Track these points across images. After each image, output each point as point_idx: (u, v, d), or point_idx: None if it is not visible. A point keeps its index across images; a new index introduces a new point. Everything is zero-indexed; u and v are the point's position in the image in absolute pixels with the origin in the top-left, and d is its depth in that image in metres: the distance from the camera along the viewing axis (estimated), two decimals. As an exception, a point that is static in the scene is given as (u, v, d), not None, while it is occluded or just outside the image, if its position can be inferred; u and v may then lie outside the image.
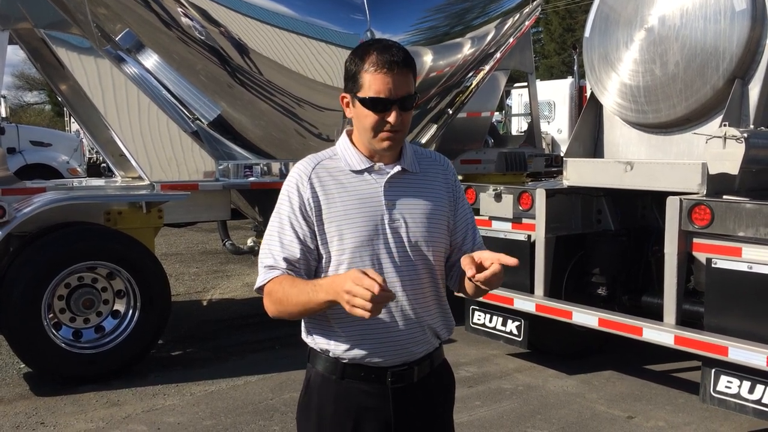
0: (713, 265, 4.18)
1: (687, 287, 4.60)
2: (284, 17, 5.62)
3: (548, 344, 5.65)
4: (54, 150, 13.54)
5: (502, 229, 5.47)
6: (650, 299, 5.11)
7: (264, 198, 6.48)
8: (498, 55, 7.09)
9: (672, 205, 4.36)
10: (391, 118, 1.85)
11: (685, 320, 4.47)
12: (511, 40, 7.13)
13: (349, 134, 1.99)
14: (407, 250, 1.91)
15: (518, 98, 16.57)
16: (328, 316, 1.91)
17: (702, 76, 4.68)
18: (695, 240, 4.33)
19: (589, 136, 5.54)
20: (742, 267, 4.04)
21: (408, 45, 5.87)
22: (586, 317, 4.83)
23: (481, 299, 5.37)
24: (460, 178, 7.83)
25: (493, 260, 1.77)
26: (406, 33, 6.13)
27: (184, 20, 5.49)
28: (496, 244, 5.26)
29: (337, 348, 1.92)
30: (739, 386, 4.01)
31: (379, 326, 1.90)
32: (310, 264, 1.92)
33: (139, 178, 5.90)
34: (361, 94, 1.86)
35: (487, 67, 7.07)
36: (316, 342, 1.97)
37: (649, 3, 4.93)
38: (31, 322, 4.96)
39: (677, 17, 4.75)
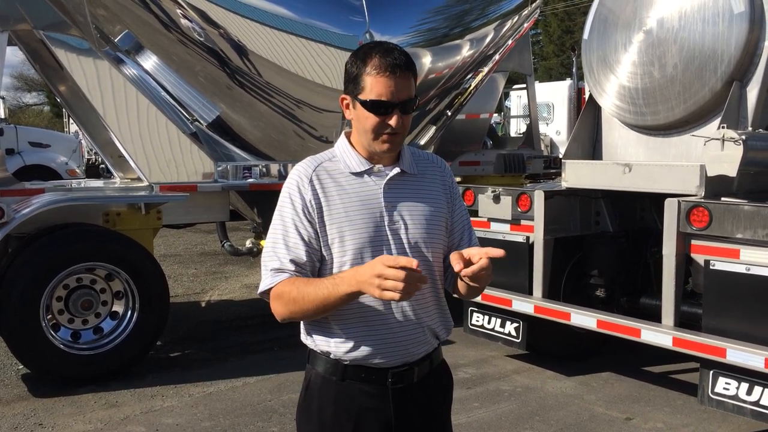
0: (711, 267, 4.18)
1: (685, 289, 4.61)
2: (283, 19, 5.63)
3: (547, 346, 5.66)
4: (53, 151, 13.53)
5: (501, 231, 5.48)
6: (649, 301, 5.12)
7: (263, 199, 6.48)
8: (497, 56, 7.10)
9: (670, 207, 4.37)
10: (392, 121, 1.86)
11: (683, 322, 4.48)
12: (509, 41, 7.14)
13: (348, 136, 2.00)
14: (407, 252, 1.92)
15: (517, 100, 16.60)
16: (329, 317, 1.91)
17: (700, 78, 4.69)
18: (693, 242, 4.34)
19: (588, 137, 5.55)
20: (740, 269, 4.05)
21: (407, 47, 5.88)
22: (584, 319, 4.84)
23: (479, 301, 5.38)
24: (458, 179, 7.80)
25: (481, 255, 1.78)
26: (405, 35, 6.13)
27: (183, 22, 5.49)
28: (495, 246, 5.25)
29: (337, 349, 1.92)
30: (738, 388, 4.01)
31: (379, 327, 1.90)
32: (315, 265, 1.91)
33: (138, 179, 5.90)
34: (362, 97, 1.86)
35: (485, 69, 7.08)
36: (316, 343, 1.97)
37: (647, 5, 4.94)
38: (30, 323, 4.95)
39: (676, 19, 4.76)
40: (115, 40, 5.82)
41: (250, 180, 6.15)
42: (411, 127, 2.08)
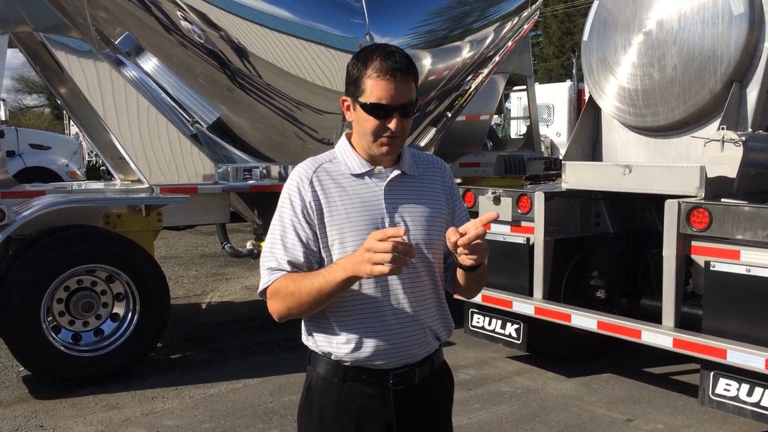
0: (712, 268, 4.18)
1: (686, 290, 4.61)
2: (284, 21, 5.63)
3: (547, 347, 5.65)
4: (53, 153, 13.53)
5: (501, 232, 5.48)
6: (649, 302, 5.12)
7: (263, 201, 6.48)
8: (497, 58, 7.11)
9: (670, 209, 4.37)
10: (392, 124, 1.86)
11: (683, 323, 4.48)
12: (510, 43, 7.15)
13: (349, 137, 2.00)
14: (407, 253, 1.92)
15: (517, 101, 16.61)
16: (330, 318, 1.92)
17: (700, 79, 4.69)
18: (694, 243, 4.34)
19: (588, 139, 5.55)
20: (741, 270, 4.05)
21: (407, 48, 5.87)
22: (585, 320, 4.84)
23: (480, 302, 5.39)
24: (458, 181, 7.79)
25: (476, 224, 1.77)
26: (406, 36, 6.14)
27: (184, 24, 5.50)
28: (495, 247, 5.27)
29: (339, 351, 1.92)
30: (738, 389, 4.01)
31: (381, 328, 1.91)
32: (312, 267, 1.91)
33: (139, 181, 5.91)
34: (362, 99, 1.87)
35: (486, 71, 7.08)
36: (317, 345, 1.97)
37: (647, 7, 4.94)
38: (30, 324, 4.96)
39: (675, 21, 4.76)
40: (116, 42, 5.83)
41: (251, 182, 6.16)
42: (411, 128, 2.09)
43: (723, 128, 4.26)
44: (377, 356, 1.91)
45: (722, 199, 4.35)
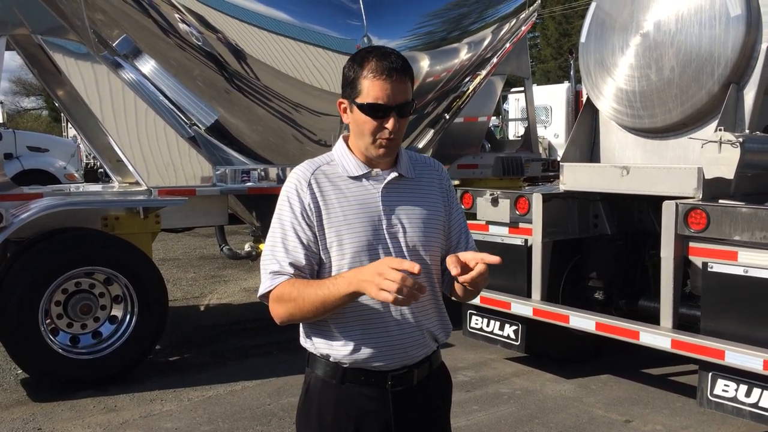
0: (709, 269, 4.19)
1: (683, 291, 4.61)
2: (281, 23, 5.64)
3: (545, 348, 5.66)
4: (51, 155, 13.53)
5: (499, 234, 5.49)
6: (647, 303, 5.12)
7: (261, 203, 6.48)
8: (495, 60, 7.12)
9: (668, 210, 4.38)
10: (389, 124, 1.87)
11: (681, 324, 4.49)
12: (507, 45, 7.16)
13: (346, 140, 2.00)
14: (405, 255, 1.92)
15: (515, 103, 16.65)
16: (328, 321, 1.92)
17: (697, 81, 4.70)
18: (691, 244, 4.35)
19: (586, 140, 5.56)
20: (738, 271, 4.06)
21: (405, 50, 5.91)
22: (583, 321, 4.84)
23: (478, 304, 5.39)
24: (456, 182, 7.80)
25: (477, 260, 1.79)
26: (403, 38, 6.14)
27: (182, 26, 5.50)
28: (493, 249, 5.28)
29: (337, 352, 1.93)
30: (736, 390, 4.02)
31: (379, 330, 1.91)
32: (313, 269, 1.92)
33: (137, 183, 5.90)
34: (359, 100, 1.87)
35: (483, 72, 7.09)
36: (315, 346, 1.97)
37: (644, 8, 4.95)
38: (29, 327, 4.95)
39: (672, 22, 4.77)
40: (114, 45, 5.83)
41: (249, 184, 6.16)
42: (409, 130, 2.09)
43: (720, 130, 4.27)
44: (376, 358, 1.91)
45: (720, 201, 4.35)
